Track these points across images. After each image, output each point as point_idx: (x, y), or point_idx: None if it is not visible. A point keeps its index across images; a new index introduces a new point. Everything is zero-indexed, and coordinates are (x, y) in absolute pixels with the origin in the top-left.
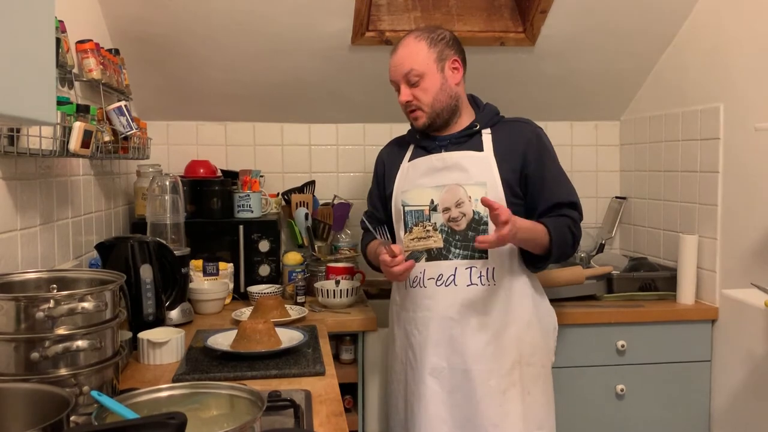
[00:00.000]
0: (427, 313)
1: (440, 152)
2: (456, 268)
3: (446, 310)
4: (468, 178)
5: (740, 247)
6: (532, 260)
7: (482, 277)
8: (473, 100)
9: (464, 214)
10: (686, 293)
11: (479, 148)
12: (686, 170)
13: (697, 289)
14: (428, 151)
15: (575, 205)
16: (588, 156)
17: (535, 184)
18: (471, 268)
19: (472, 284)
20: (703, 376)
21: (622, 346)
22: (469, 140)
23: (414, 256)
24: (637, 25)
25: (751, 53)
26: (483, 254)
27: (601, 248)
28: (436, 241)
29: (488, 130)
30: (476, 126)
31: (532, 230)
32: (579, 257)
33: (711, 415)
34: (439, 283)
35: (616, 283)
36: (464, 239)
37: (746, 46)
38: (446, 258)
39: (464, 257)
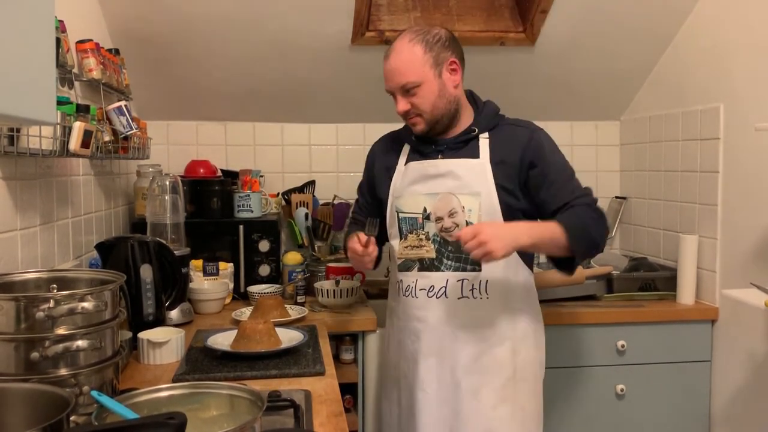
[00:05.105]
0: (419, 325)
1: (436, 158)
2: (447, 280)
3: (437, 322)
4: (462, 187)
5: (740, 247)
6: (562, 264)
7: (474, 290)
8: (472, 98)
9: (457, 225)
10: (686, 293)
11: (476, 154)
12: (686, 170)
13: (697, 289)
14: (424, 155)
15: (584, 195)
16: (588, 156)
17: (540, 186)
18: (463, 280)
19: (463, 297)
20: (703, 376)
21: (622, 346)
22: (465, 146)
23: (407, 265)
24: (638, 25)
25: (751, 53)
26: (476, 267)
27: None
28: (429, 252)
29: (486, 135)
30: (474, 131)
31: (538, 230)
32: None
33: (711, 415)
34: (430, 294)
35: (616, 283)
36: (456, 250)
37: (746, 46)
38: (438, 269)
39: (456, 269)
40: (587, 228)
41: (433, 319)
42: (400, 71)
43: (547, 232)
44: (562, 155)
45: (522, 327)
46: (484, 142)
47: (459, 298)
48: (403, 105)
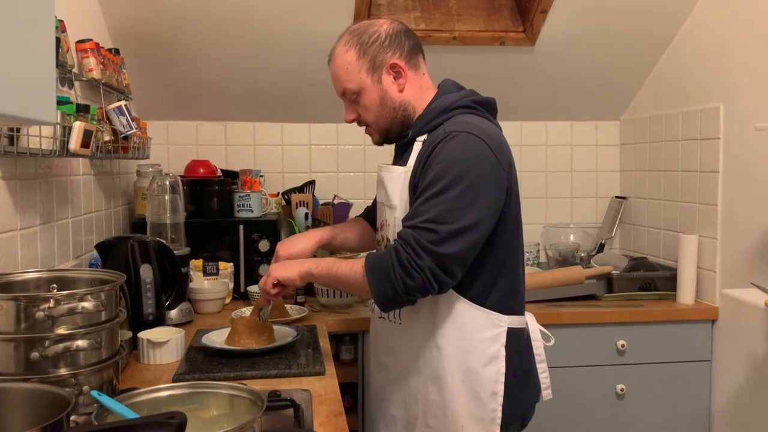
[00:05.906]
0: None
1: (389, 163)
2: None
3: (372, 338)
4: (386, 199)
5: (740, 247)
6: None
7: (390, 313)
8: (444, 89)
9: (383, 239)
10: (686, 293)
11: (406, 161)
12: (686, 170)
13: (697, 289)
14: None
15: (416, 227)
16: (588, 156)
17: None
18: None
19: (381, 317)
20: (703, 376)
21: (622, 346)
22: (406, 150)
23: None
24: (637, 25)
25: (752, 53)
26: None
27: (601, 248)
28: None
29: (424, 137)
30: (407, 135)
31: (326, 263)
32: (579, 257)
33: (711, 415)
34: (372, 308)
35: (616, 283)
36: None
37: (746, 46)
38: None
39: None
40: (376, 274)
41: (371, 332)
42: (337, 77)
43: (342, 269)
44: (461, 171)
45: (436, 366)
46: (417, 146)
47: (379, 318)
48: (349, 114)
